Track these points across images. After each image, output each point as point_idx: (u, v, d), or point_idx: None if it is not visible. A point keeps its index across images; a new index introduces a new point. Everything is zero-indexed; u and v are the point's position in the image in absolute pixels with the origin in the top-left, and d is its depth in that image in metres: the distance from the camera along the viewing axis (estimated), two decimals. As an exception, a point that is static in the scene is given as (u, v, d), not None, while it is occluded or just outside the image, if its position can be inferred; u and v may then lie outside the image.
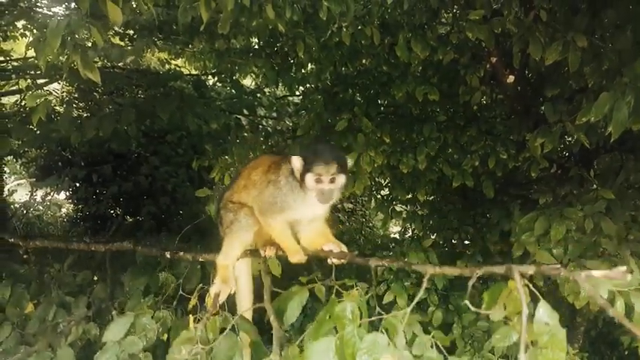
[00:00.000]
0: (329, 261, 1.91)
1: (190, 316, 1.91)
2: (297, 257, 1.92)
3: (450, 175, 3.58)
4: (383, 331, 1.46)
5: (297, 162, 1.82)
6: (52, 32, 2.02)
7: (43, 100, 2.50)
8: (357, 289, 1.70)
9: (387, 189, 4.61)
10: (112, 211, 7.06)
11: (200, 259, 2.35)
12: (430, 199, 4.49)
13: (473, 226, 3.96)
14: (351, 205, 7.55)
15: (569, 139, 3.92)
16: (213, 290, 1.93)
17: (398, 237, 5.19)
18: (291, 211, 1.88)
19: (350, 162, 3.40)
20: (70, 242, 3.22)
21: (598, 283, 2.54)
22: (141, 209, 6.62)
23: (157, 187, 6.66)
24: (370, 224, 7.59)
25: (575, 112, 3.06)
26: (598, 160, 3.74)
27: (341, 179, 1.80)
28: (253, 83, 6.32)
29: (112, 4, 2.06)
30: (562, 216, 2.94)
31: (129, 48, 5.04)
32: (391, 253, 3.72)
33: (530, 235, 3.01)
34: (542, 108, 3.47)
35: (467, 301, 1.54)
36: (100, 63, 5.34)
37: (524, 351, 1.28)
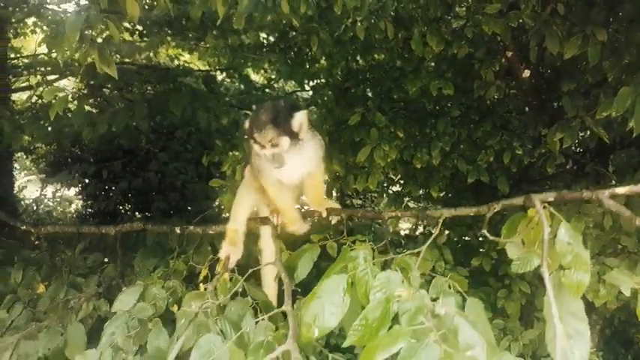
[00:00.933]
0: (327, 215, 1.91)
1: (201, 284, 1.88)
2: (294, 226, 1.88)
3: (465, 171, 3.54)
4: (397, 269, 1.40)
5: (246, 126, 1.76)
6: (71, 27, 2.00)
7: (60, 95, 2.48)
8: (370, 244, 1.64)
9: (398, 185, 4.58)
10: (121, 207, 7.08)
11: (210, 232, 2.31)
12: (442, 195, 4.45)
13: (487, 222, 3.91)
14: (360, 202, 7.52)
15: (582, 134, 3.88)
16: (222, 254, 1.89)
17: (408, 233, 5.16)
18: (266, 172, 1.83)
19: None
20: (80, 227, 3.21)
21: (620, 280, 2.50)
22: (150, 205, 6.62)
23: (166, 183, 6.67)
24: (379, 220, 7.54)
25: (593, 106, 3.02)
26: (614, 156, 3.69)
27: (284, 142, 1.68)
28: (261, 78, 6.30)
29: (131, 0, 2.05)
30: (580, 212, 2.91)
31: (138, 44, 5.04)
32: (405, 250, 3.67)
33: (548, 231, 2.96)
34: (559, 102, 3.43)
35: (484, 231, 1.51)
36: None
37: (547, 272, 1.23)
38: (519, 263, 1.45)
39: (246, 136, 1.83)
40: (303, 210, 2.08)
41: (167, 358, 1.40)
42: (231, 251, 1.87)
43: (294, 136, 1.70)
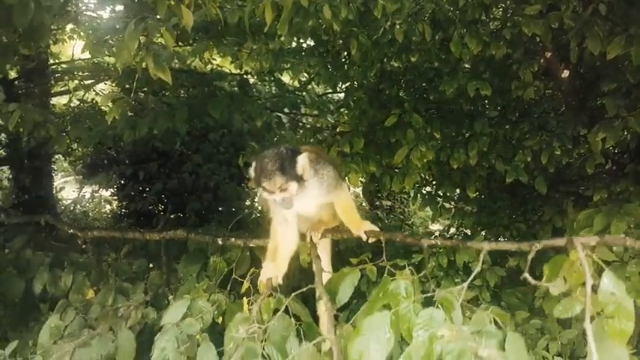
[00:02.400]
0: (367, 239, 1.95)
1: (244, 298, 1.97)
2: (264, 273, 1.96)
3: (503, 171, 3.55)
4: (439, 306, 1.44)
5: (251, 172, 1.87)
6: (130, 36, 2.11)
7: (117, 100, 2.60)
8: (409, 269, 1.67)
9: (430, 186, 4.59)
10: (154, 208, 7.27)
11: (251, 245, 2.43)
12: (475, 195, 4.45)
13: (524, 222, 3.92)
14: (389, 203, 7.54)
15: (621, 133, 3.82)
16: (263, 276, 1.96)
17: (439, 234, 5.15)
18: (276, 211, 1.96)
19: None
20: (125, 232, 3.35)
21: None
22: (184, 206, 6.79)
23: (199, 184, 6.83)
24: (410, 221, 7.57)
25: (634, 106, 3.00)
26: (655, 156, 3.64)
27: (292, 187, 1.80)
28: (293, 81, 6.39)
29: (186, 9, 2.15)
30: (622, 212, 2.89)
31: (176, 49, 5.18)
32: (440, 250, 3.71)
33: (589, 231, 2.95)
34: (599, 102, 3.41)
35: (526, 274, 1.50)
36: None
37: (589, 321, 1.25)
38: (562, 309, 1.49)
39: (253, 182, 1.94)
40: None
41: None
42: (272, 273, 1.95)
43: (299, 179, 1.82)
